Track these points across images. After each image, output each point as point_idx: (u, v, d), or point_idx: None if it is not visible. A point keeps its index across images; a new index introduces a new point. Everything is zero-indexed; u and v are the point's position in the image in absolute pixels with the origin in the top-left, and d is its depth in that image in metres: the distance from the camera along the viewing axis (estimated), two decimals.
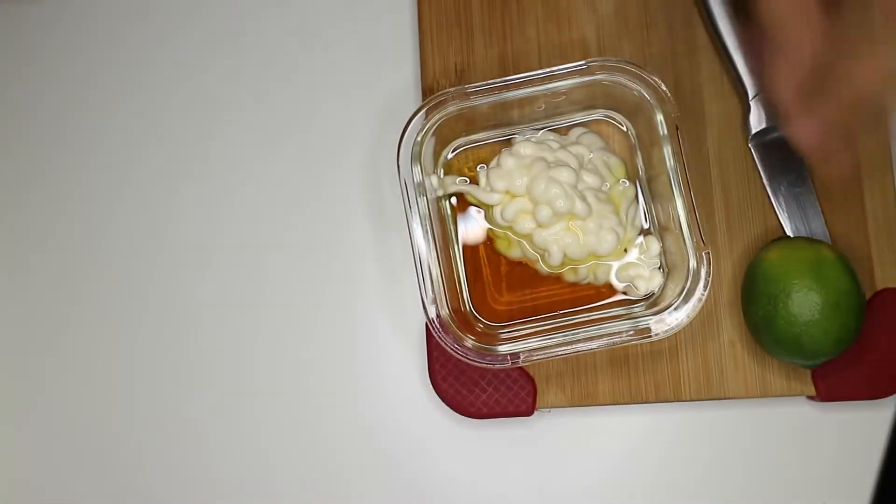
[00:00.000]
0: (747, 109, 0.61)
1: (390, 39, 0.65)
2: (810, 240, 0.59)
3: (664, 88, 0.56)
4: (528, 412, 0.60)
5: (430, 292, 0.55)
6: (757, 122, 0.61)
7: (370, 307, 0.63)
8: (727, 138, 0.62)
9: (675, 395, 0.60)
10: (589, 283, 0.59)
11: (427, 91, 0.62)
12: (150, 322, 0.64)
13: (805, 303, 0.56)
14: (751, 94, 0.61)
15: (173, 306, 0.64)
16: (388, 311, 0.63)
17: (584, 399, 0.61)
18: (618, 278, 0.59)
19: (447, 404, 0.60)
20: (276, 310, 0.63)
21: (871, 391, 0.59)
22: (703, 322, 0.61)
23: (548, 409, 0.61)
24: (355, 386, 0.63)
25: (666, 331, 0.55)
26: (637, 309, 0.58)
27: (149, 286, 0.64)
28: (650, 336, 0.55)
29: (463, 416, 0.60)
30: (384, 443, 0.62)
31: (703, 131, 0.62)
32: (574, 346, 0.55)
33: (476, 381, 0.60)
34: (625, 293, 0.59)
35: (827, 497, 0.61)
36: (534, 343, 0.56)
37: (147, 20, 0.66)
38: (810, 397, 0.61)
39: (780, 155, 0.61)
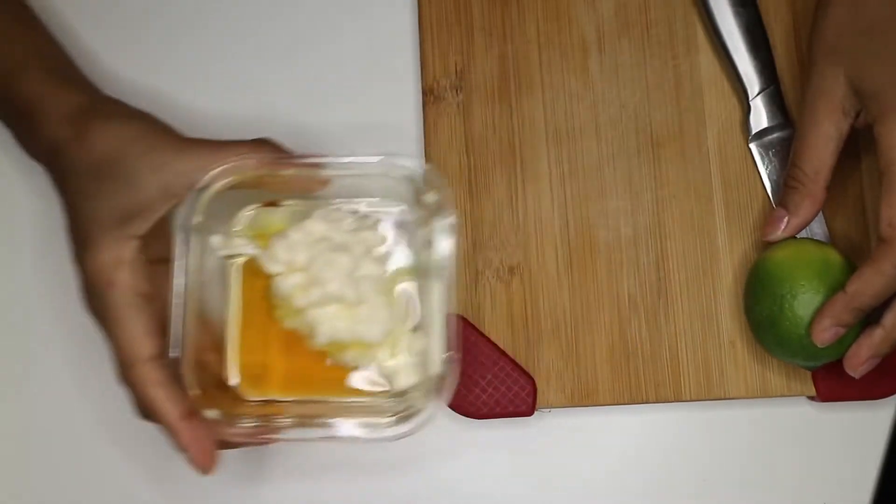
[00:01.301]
0: (747, 109, 0.62)
1: (390, 39, 0.65)
2: (817, 242, 0.59)
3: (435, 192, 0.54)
4: (528, 412, 0.60)
5: (175, 340, 0.52)
6: (757, 122, 0.62)
7: None
8: (727, 138, 0.62)
9: (675, 395, 0.60)
10: (352, 368, 0.57)
11: (427, 91, 0.62)
12: None
13: (811, 304, 0.56)
14: (751, 94, 0.61)
15: None
16: None
17: (584, 399, 0.61)
18: (379, 370, 0.57)
19: (446, 404, 0.60)
20: None
21: (872, 391, 0.60)
22: (703, 322, 0.61)
23: (548, 409, 0.61)
24: None
25: (387, 436, 0.53)
26: (385, 403, 0.56)
27: None
28: (375, 438, 0.53)
29: (463, 417, 0.60)
30: (383, 443, 0.62)
31: (703, 131, 0.62)
32: (307, 431, 0.54)
33: (476, 382, 0.60)
34: (381, 385, 0.57)
35: (827, 497, 0.61)
36: (277, 422, 0.54)
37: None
38: (810, 397, 0.61)
39: (780, 155, 0.61)
